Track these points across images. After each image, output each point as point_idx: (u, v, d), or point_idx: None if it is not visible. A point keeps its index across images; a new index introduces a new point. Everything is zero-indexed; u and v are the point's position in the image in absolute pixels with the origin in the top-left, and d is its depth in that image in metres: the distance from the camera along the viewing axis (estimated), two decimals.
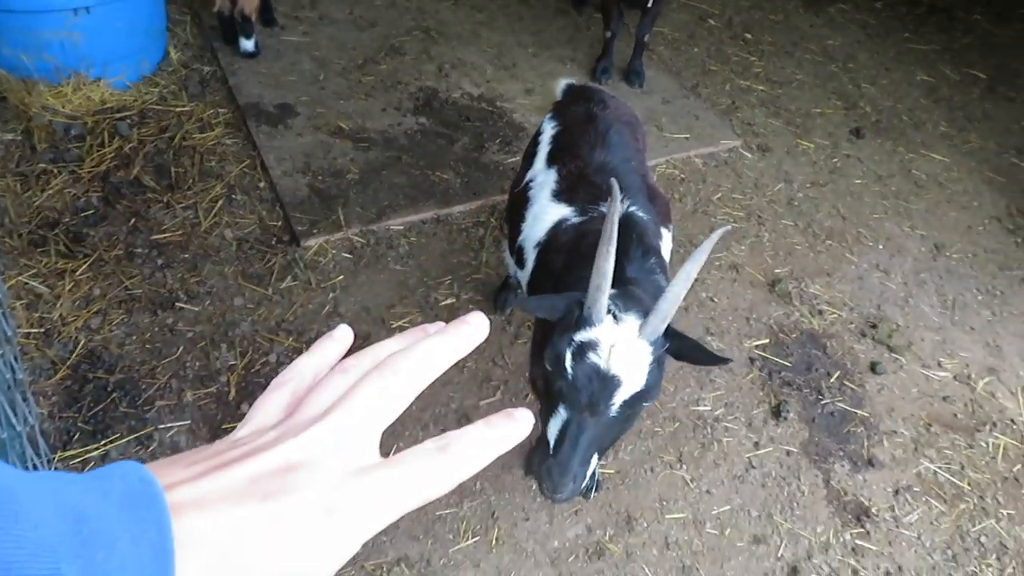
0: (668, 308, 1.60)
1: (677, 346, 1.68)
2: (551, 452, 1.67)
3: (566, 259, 2.09)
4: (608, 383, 1.59)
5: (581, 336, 1.60)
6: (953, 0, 6.20)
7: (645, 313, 1.64)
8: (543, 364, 1.93)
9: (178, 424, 2.69)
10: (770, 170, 4.24)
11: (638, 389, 1.61)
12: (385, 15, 4.86)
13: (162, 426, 2.68)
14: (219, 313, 3.06)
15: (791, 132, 4.54)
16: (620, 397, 1.60)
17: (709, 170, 4.15)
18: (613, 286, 1.73)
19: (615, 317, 1.62)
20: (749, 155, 4.31)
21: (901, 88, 5.10)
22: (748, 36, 5.35)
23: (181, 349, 2.91)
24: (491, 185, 3.76)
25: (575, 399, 1.60)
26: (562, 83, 2.94)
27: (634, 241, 1.97)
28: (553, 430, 1.68)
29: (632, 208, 2.11)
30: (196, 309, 3.05)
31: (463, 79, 4.46)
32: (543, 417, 1.75)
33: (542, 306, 1.70)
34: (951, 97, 5.09)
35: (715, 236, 1.71)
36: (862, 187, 4.23)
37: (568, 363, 1.60)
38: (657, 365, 1.64)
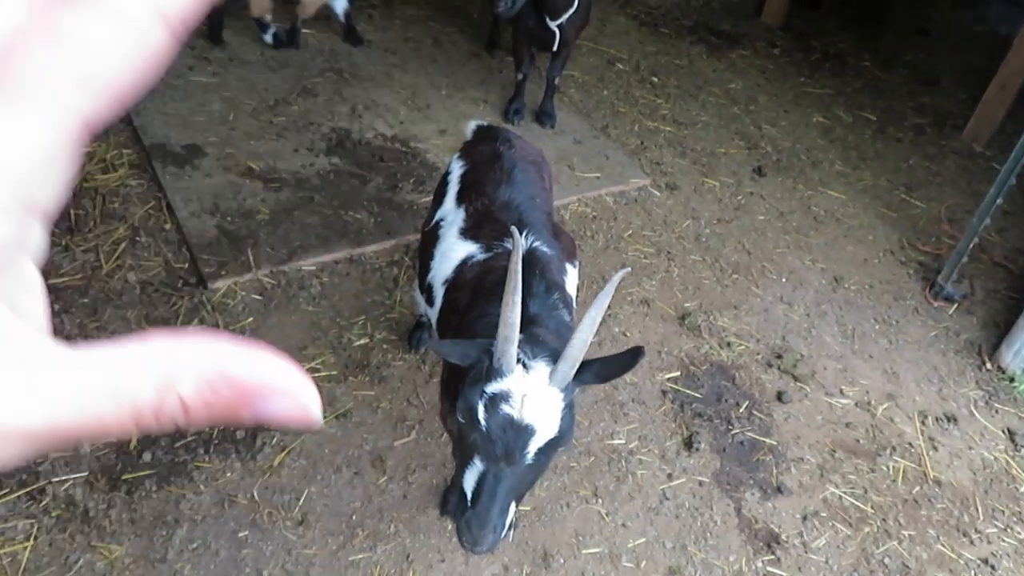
0: (576, 355, 1.62)
1: (594, 375, 1.70)
2: (469, 504, 1.65)
3: (470, 295, 2.10)
4: (522, 433, 1.59)
5: (492, 388, 1.59)
6: (844, 48, 6.58)
7: (554, 358, 1.65)
8: (455, 413, 1.93)
9: (74, 476, 2.56)
10: (678, 207, 4.38)
11: (552, 436, 1.62)
12: (297, 57, 4.84)
13: (56, 479, 2.54)
14: None
15: (697, 171, 4.70)
16: (535, 445, 1.61)
17: (620, 208, 4.25)
18: (520, 328, 1.75)
19: (524, 366, 1.63)
20: (658, 193, 4.44)
21: (799, 129, 5.36)
22: (655, 80, 5.54)
23: None
24: (405, 224, 3.76)
25: (490, 451, 1.59)
26: (472, 124, 2.98)
27: (537, 276, 2.00)
28: (470, 482, 1.66)
29: (536, 243, 2.14)
30: None
31: (376, 120, 4.47)
32: (457, 465, 1.72)
33: (455, 352, 1.70)
34: (845, 137, 5.38)
35: (615, 280, 1.75)
36: (765, 223, 4.41)
37: (481, 415, 1.59)
38: (569, 410, 1.65)
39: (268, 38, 4.84)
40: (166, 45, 0.32)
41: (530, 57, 4.58)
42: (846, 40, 6.69)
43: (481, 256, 2.19)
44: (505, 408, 1.58)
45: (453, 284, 2.21)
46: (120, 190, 3.64)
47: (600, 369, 1.71)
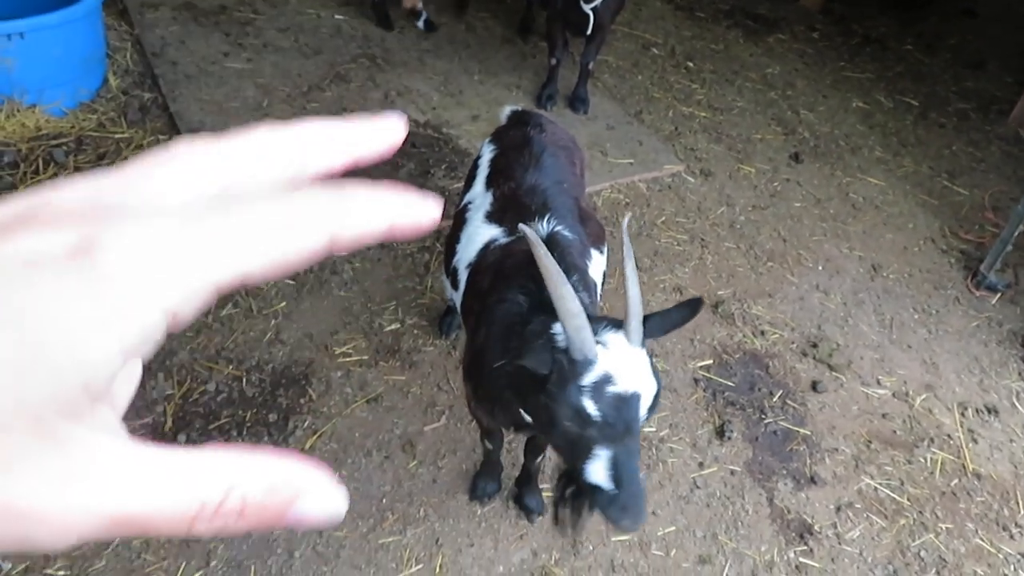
0: (638, 309, 1.63)
1: (657, 328, 1.70)
2: (612, 489, 1.60)
3: (491, 279, 2.10)
4: (632, 402, 1.58)
5: (588, 379, 1.56)
6: (886, 31, 6.43)
7: (615, 324, 1.64)
8: (480, 401, 1.92)
9: None
10: (712, 194, 4.32)
11: (655, 390, 1.62)
12: (330, 43, 4.86)
13: None
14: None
15: (733, 157, 4.63)
16: (645, 406, 1.61)
17: (653, 194, 4.21)
18: (544, 313, 1.76)
19: (602, 344, 1.62)
20: (692, 179, 4.39)
21: (838, 114, 5.25)
22: (690, 64, 5.47)
23: None
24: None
25: (613, 434, 1.57)
26: (507, 109, 2.97)
27: (556, 260, 1.99)
28: (601, 471, 1.61)
29: (558, 228, 2.13)
30: None
31: (409, 106, 4.47)
32: (571, 463, 1.66)
33: (532, 362, 1.63)
34: (885, 123, 5.26)
35: (625, 228, 1.76)
36: (802, 210, 4.33)
37: (592, 409, 1.56)
38: (651, 359, 1.67)
39: (421, 24, 5.12)
40: (308, 260, 0.34)
41: (564, 42, 4.54)
42: (888, 23, 6.53)
43: (503, 240, 2.19)
44: (610, 389, 1.56)
45: (476, 268, 2.21)
46: None
47: (661, 322, 1.72)
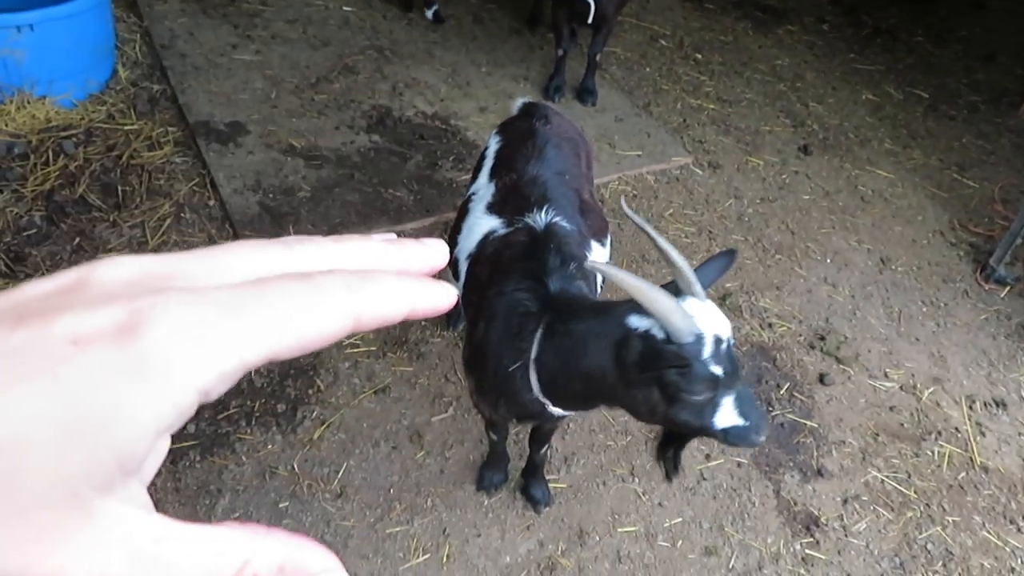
0: (689, 270, 1.68)
1: (707, 280, 1.76)
2: (741, 421, 1.71)
3: (489, 271, 2.10)
4: (730, 345, 1.68)
5: (707, 350, 1.62)
6: (896, 22, 6.39)
7: (673, 290, 1.68)
8: (481, 394, 2.03)
9: None
10: (720, 186, 4.31)
11: (729, 325, 1.71)
12: (338, 34, 4.86)
13: None
14: None
15: (741, 149, 4.62)
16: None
17: (661, 186, 4.20)
18: (554, 309, 1.83)
19: (673, 312, 1.63)
20: (700, 172, 4.38)
21: (847, 106, 5.22)
22: (699, 56, 5.45)
23: None
24: (444, 202, 3.76)
25: (732, 380, 1.67)
26: (518, 101, 2.96)
27: (552, 252, 2.00)
28: (731, 414, 1.70)
29: (556, 219, 2.13)
30: None
31: (417, 98, 4.47)
32: (698, 423, 1.73)
33: (675, 358, 1.64)
34: (895, 115, 5.23)
35: (627, 208, 1.84)
36: (810, 203, 4.32)
37: (718, 371, 1.63)
38: None
39: (430, 15, 5.14)
40: (333, 338, 0.36)
41: (570, 33, 4.53)
42: (898, 14, 6.49)
43: (502, 231, 2.19)
44: (721, 348, 1.64)
45: (475, 259, 2.22)
46: (165, 167, 3.70)
47: (709, 274, 1.79)
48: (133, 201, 3.50)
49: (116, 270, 0.35)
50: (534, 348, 1.89)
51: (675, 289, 1.68)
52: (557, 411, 1.98)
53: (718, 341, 1.63)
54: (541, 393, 1.92)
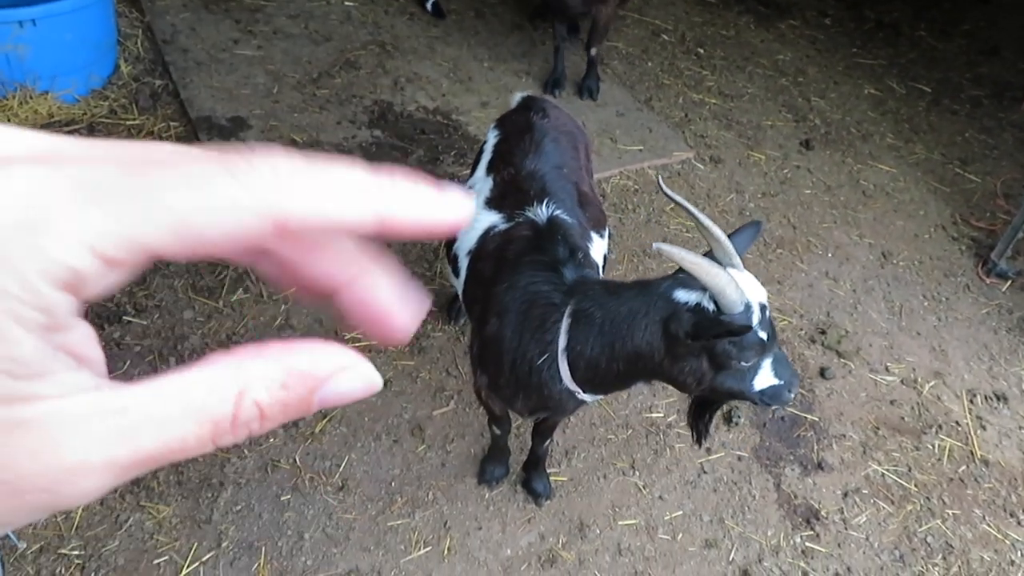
0: (728, 241, 1.78)
1: (740, 250, 1.84)
2: (776, 381, 1.82)
3: (493, 266, 2.11)
4: (769, 310, 1.78)
5: (756, 317, 1.71)
6: (899, 16, 6.37)
7: (712, 260, 1.75)
8: (488, 389, 2.07)
9: None
10: (722, 181, 4.31)
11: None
12: (340, 29, 4.86)
13: None
14: (168, 327, 3.02)
15: (743, 144, 4.62)
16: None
17: (662, 181, 4.20)
18: (576, 294, 1.89)
19: (728, 284, 1.69)
20: (701, 166, 4.38)
21: (849, 101, 5.22)
22: (700, 51, 5.44)
23: (128, 363, 2.87)
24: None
25: (772, 345, 1.79)
26: (517, 95, 2.97)
27: (560, 243, 2.04)
28: (768, 375, 1.82)
29: (557, 212, 2.15)
30: (144, 323, 3.01)
31: (418, 92, 4.48)
32: (739, 389, 1.82)
33: (734, 326, 1.71)
34: (897, 110, 5.22)
35: (665, 187, 1.94)
36: (812, 197, 4.32)
37: (764, 336, 1.74)
38: None
39: (429, 7, 5.13)
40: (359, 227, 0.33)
41: (566, 28, 4.54)
42: (901, 8, 6.47)
43: (503, 226, 2.19)
44: (766, 315, 1.75)
45: (476, 255, 2.22)
46: None
47: (740, 244, 1.86)
48: None
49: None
50: (561, 338, 1.90)
51: (713, 259, 1.75)
52: (587, 397, 2.01)
53: (763, 308, 1.74)
54: (573, 382, 1.93)
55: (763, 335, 1.73)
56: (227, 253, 0.33)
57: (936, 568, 2.74)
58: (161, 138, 3.82)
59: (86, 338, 0.33)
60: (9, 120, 3.64)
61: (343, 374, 0.34)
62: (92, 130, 3.77)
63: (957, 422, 3.24)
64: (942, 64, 5.81)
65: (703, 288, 1.71)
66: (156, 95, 4.10)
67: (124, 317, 3.00)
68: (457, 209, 0.36)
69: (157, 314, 3.05)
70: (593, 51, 4.55)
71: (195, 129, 3.87)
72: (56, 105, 3.79)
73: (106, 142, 0.33)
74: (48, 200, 0.28)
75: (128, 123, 3.85)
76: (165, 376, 0.31)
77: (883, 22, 6.26)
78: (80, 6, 3.66)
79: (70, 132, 3.71)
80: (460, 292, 2.40)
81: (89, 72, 3.93)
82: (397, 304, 0.37)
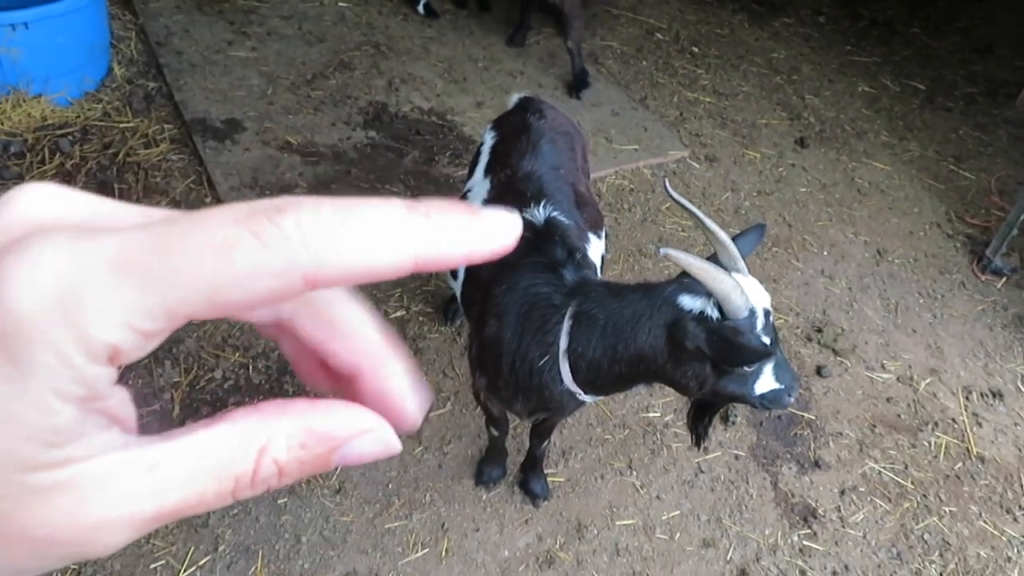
0: (733, 246, 1.78)
1: (745, 253, 1.85)
2: (776, 384, 1.83)
3: (492, 269, 2.11)
4: (771, 315, 1.78)
5: (759, 323, 1.71)
6: (893, 14, 6.38)
7: (716, 262, 1.77)
8: (486, 391, 2.07)
9: None
10: (717, 180, 4.31)
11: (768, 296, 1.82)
12: (334, 30, 4.86)
13: None
14: None
15: (737, 142, 4.62)
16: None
17: (658, 180, 4.20)
18: (577, 295, 1.89)
19: (733, 290, 1.69)
20: (697, 165, 4.38)
21: (844, 99, 5.22)
22: (695, 50, 5.44)
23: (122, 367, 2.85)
24: (442, 198, 3.76)
25: (774, 348, 1.77)
26: (514, 96, 2.96)
27: (558, 244, 2.04)
28: (770, 380, 1.82)
29: (554, 214, 2.15)
30: None
31: (413, 93, 4.47)
32: (741, 392, 1.83)
33: (748, 340, 1.72)
34: (892, 107, 5.23)
35: (671, 190, 1.93)
36: (807, 195, 4.32)
37: (768, 339, 1.73)
38: None
39: (420, 8, 5.14)
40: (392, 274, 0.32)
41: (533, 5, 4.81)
42: (895, 6, 6.48)
43: None
44: (770, 320, 1.75)
45: None
46: (162, 164, 3.70)
47: (745, 247, 1.87)
48: (129, 199, 3.48)
49: (26, 202, 0.32)
50: (563, 339, 1.90)
51: (717, 265, 1.75)
52: (588, 398, 2.02)
53: (767, 313, 1.73)
54: (574, 383, 1.94)
55: (766, 340, 1.73)
56: (260, 315, 0.36)
57: (933, 565, 2.74)
58: (156, 140, 3.81)
59: (121, 401, 0.35)
60: (2, 124, 3.63)
61: (363, 437, 0.35)
62: (86, 133, 3.76)
63: (953, 419, 3.25)
64: (936, 62, 5.83)
65: (707, 293, 1.70)
66: (150, 97, 4.09)
67: None
68: (502, 234, 0.35)
69: None
70: (570, 44, 4.57)
71: (189, 131, 3.86)
72: (49, 108, 3.78)
73: (140, 209, 0.34)
74: (85, 276, 0.28)
75: (122, 126, 3.84)
76: (191, 432, 0.32)
77: (877, 20, 6.27)
78: (73, 9, 3.65)
79: (64, 135, 3.70)
80: (458, 294, 2.40)
81: (82, 75, 3.92)
82: (410, 397, 0.38)
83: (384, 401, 0.38)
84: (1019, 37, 6.19)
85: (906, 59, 5.81)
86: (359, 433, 0.34)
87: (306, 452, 0.33)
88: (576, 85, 4.69)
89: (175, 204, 3.50)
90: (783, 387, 1.83)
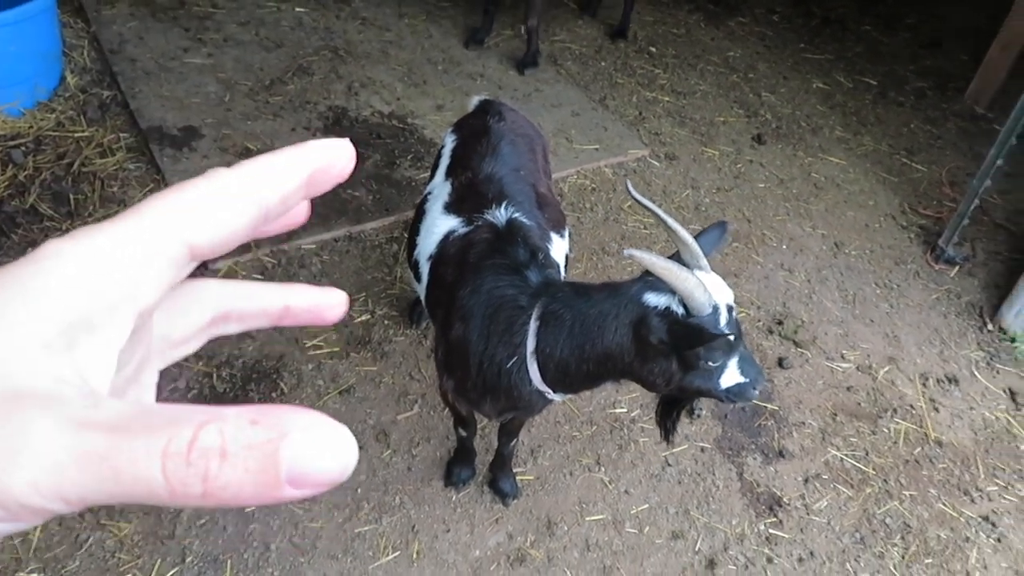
0: (695, 244, 1.80)
1: (707, 251, 1.88)
2: (742, 379, 1.86)
3: (456, 271, 2.12)
4: (734, 310, 1.81)
5: (723, 318, 1.75)
6: (845, 12, 6.51)
7: (679, 260, 1.81)
8: (455, 393, 2.08)
9: None
10: (677, 177, 4.37)
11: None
12: (292, 36, 4.83)
13: None
14: None
15: (696, 140, 4.68)
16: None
17: (619, 179, 4.25)
18: (541, 296, 1.91)
19: (696, 288, 1.71)
20: (657, 164, 4.43)
21: (799, 96, 5.32)
22: (653, 50, 5.50)
23: None
24: (403, 201, 3.76)
25: (739, 344, 1.82)
26: (474, 99, 2.97)
27: (520, 245, 2.06)
28: (735, 373, 1.85)
29: (516, 215, 2.17)
30: None
31: (373, 97, 4.46)
32: (706, 387, 1.86)
33: (706, 331, 1.74)
34: (845, 103, 5.34)
35: (632, 190, 1.93)
36: (765, 191, 4.40)
37: (731, 334, 1.76)
38: None
39: None
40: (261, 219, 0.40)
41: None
42: (846, 4, 6.62)
43: (463, 230, 2.20)
44: (733, 315, 1.79)
45: (438, 259, 2.23)
46: (119, 174, 3.65)
47: (707, 245, 1.90)
48: (86, 209, 3.45)
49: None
50: (530, 340, 1.92)
51: (680, 263, 1.78)
52: (556, 397, 2.04)
53: (730, 309, 1.77)
54: (543, 383, 1.95)
55: (730, 335, 1.76)
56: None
57: (895, 548, 2.81)
58: (111, 150, 3.75)
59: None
60: None
61: (315, 429, 0.30)
62: (39, 143, 3.70)
63: (911, 405, 3.33)
64: (887, 58, 5.96)
65: (672, 291, 1.73)
66: (104, 106, 4.03)
67: None
68: (330, 153, 0.41)
69: None
70: (530, 23, 4.72)
71: (146, 140, 3.82)
72: (1, 119, 3.71)
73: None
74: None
75: (76, 135, 3.78)
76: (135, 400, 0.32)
77: (829, 18, 6.40)
78: (23, 17, 3.59)
79: (16, 146, 3.63)
80: (423, 297, 2.40)
81: (35, 84, 3.85)
82: (318, 294, 0.47)
83: (311, 305, 0.47)
84: (966, 32, 6.35)
85: (858, 55, 5.93)
86: (311, 425, 0.30)
87: (254, 434, 0.29)
88: (524, 63, 4.89)
89: None
90: (748, 380, 1.87)
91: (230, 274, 3.26)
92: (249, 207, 0.38)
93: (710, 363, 1.80)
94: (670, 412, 2.10)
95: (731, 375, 1.85)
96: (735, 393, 1.88)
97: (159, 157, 3.72)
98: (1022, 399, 3.42)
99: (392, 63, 4.79)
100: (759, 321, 3.57)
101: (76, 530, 2.44)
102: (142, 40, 4.49)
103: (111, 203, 3.49)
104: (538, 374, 1.95)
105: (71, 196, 3.47)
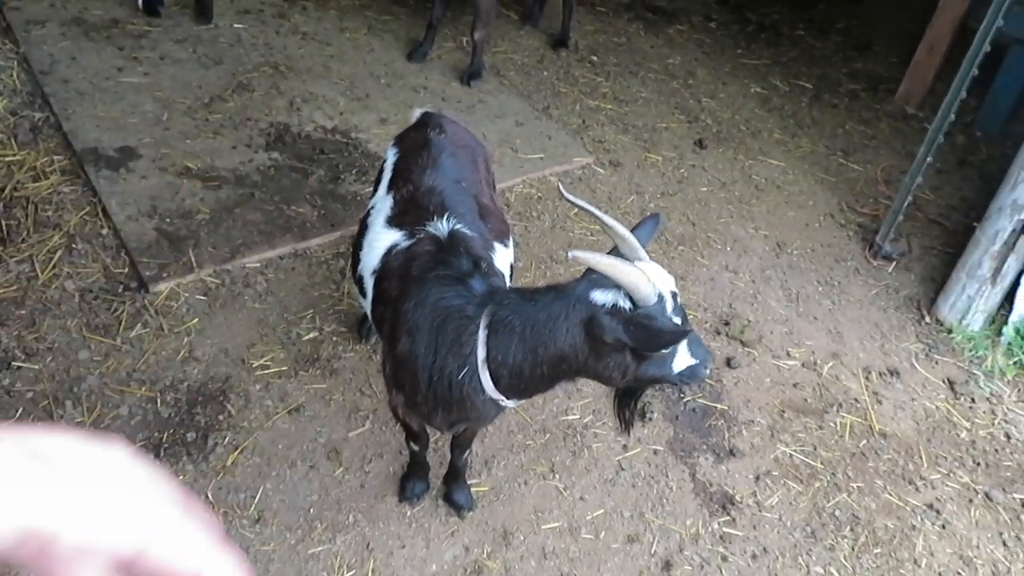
0: (631, 236, 1.84)
1: (643, 243, 1.91)
2: (693, 360, 1.90)
3: (399, 285, 2.11)
4: (679, 299, 1.85)
5: (668, 305, 1.78)
6: (779, 18, 6.68)
7: (617, 253, 1.85)
8: (404, 408, 2.07)
9: None
10: (622, 184, 4.42)
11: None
12: (231, 52, 4.76)
13: None
14: (63, 369, 2.89)
15: (640, 147, 4.74)
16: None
17: (563, 187, 4.27)
18: (489, 303, 1.92)
19: (639, 279, 1.73)
20: (601, 171, 4.48)
21: (737, 100, 5.43)
22: (594, 59, 5.57)
23: (21, 411, 2.73)
24: (349, 216, 3.74)
25: (687, 327, 1.83)
26: (416, 112, 2.97)
27: (462, 255, 2.06)
28: (686, 356, 1.89)
29: (458, 226, 2.17)
30: (36, 367, 2.87)
31: (316, 112, 4.43)
32: (660, 375, 1.90)
33: (664, 328, 1.76)
34: (782, 106, 5.47)
35: (566, 193, 1.99)
36: (708, 194, 4.47)
37: (679, 320, 1.79)
38: None
39: (140, 4, 4.88)
40: None
41: (442, 5, 4.90)
42: (780, 10, 6.79)
43: (405, 243, 2.20)
44: (677, 301, 1.81)
45: (381, 274, 2.22)
46: (53, 197, 3.55)
47: (643, 237, 1.94)
48: (19, 235, 3.35)
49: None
50: (480, 350, 1.91)
51: (620, 256, 1.82)
52: (511, 403, 2.04)
53: (674, 295, 1.81)
54: (496, 391, 1.94)
55: (679, 320, 1.80)
56: None
57: (845, 540, 2.86)
58: (45, 173, 3.65)
59: None
60: None
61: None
62: None
63: (856, 399, 3.41)
64: (821, 61, 6.12)
65: (617, 286, 1.75)
66: (36, 128, 3.92)
67: (13, 363, 2.86)
68: None
69: (50, 357, 2.92)
70: (477, 35, 4.74)
71: (80, 162, 3.72)
72: None
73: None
74: None
75: (7, 159, 3.67)
76: None
77: (764, 24, 6.55)
78: None
79: None
80: (368, 312, 2.38)
81: None
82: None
83: None
84: (895, 35, 6.57)
85: (793, 60, 6.09)
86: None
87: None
88: (470, 74, 4.93)
89: (69, 238, 3.37)
90: (698, 361, 1.92)
91: (172, 297, 3.20)
92: None
93: (663, 350, 1.84)
94: (627, 403, 2.15)
95: (683, 358, 1.89)
96: (688, 375, 1.92)
97: (95, 179, 3.63)
98: (960, 388, 3.53)
99: (334, 77, 4.76)
100: (706, 323, 3.63)
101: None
102: (75, 60, 4.39)
103: (46, 228, 3.40)
104: (491, 383, 1.95)
105: (3, 222, 3.37)
